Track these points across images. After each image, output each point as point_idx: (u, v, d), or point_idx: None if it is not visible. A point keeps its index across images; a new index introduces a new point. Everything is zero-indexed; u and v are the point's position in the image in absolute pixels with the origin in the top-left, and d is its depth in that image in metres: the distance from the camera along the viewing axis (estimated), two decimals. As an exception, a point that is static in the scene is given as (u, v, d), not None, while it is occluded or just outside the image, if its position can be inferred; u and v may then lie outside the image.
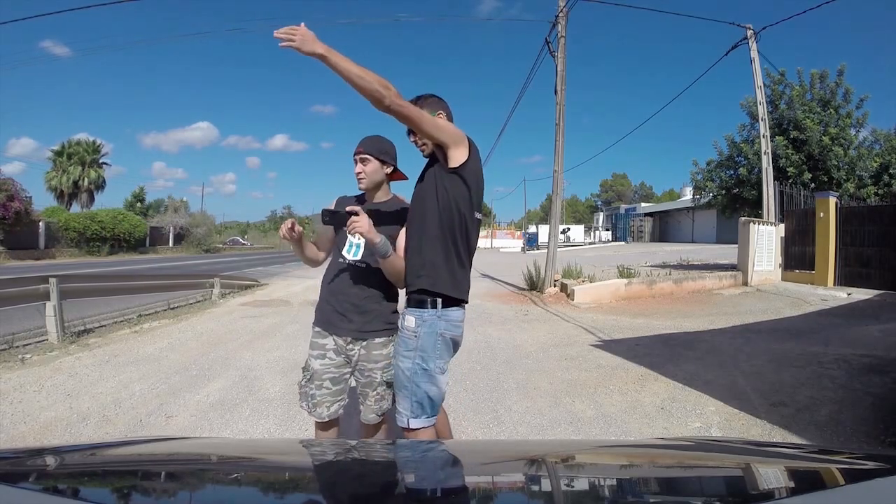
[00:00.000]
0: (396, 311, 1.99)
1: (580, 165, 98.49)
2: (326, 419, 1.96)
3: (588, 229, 46.46)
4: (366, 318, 1.93)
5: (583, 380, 4.11)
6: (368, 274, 1.93)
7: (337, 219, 1.76)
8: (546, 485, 0.90)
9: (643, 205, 46.13)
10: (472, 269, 2.04)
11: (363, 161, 1.98)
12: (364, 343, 1.94)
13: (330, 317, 1.96)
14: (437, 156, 1.85)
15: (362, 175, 1.98)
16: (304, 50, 1.51)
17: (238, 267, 17.74)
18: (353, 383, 2.00)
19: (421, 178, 1.90)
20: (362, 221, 1.72)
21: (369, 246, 1.79)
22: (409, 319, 1.78)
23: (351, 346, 1.94)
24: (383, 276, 1.90)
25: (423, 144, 1.91)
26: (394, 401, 1.91)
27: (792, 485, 0.88)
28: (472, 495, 0.88)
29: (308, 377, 1.97)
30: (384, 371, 1.95)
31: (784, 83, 14.09)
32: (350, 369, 1.98)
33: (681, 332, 6.05)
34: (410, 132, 1.90)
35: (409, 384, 1.77)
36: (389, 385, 1.94)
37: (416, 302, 1.80)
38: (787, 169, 13.03)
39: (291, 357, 4.87)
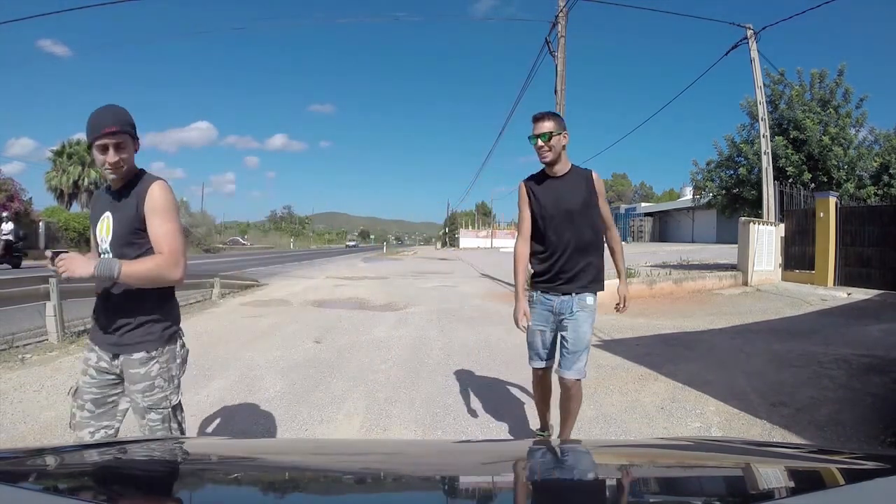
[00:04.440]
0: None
1: (580, 165, 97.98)
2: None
3: (588, 229, 46.29)
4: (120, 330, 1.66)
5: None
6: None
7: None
8: (546, 485, 0.90)
9: (643, 205, 46.11)
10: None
11: (119, 147, 1.58)
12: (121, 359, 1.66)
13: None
14: (585, 181, 2.41)
15: (121, 164, 1.59)
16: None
17: (238, 267, 17.73)
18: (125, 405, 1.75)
19: (574, 192, 2.38)
20: (67, 266, 1.48)
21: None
22: (591, 298, 2.44)
23: (115, 361, 1.67)
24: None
25: (549, 151, 2.33)
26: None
27: (792, 485, 0.88)
28: (472, 495, 0.88)
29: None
30: (145, 395, 1.65)
31: (784, 83, 14.08)
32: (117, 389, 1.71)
33: (681, 331, 6.05)
34: (539, 137, 2.31)
35: (588, 346, 2.43)
36: (151, 410, 1.69)
37: (595, 289, 2.45)
38: (787, 169, 13.02)
39: (291, 357, 4.87)
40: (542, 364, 2.54)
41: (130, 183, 1.64)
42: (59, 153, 36.57)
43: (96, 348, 1.69)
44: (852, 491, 0.71)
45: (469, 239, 56.64)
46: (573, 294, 2.40)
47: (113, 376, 1.69)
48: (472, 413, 3.36)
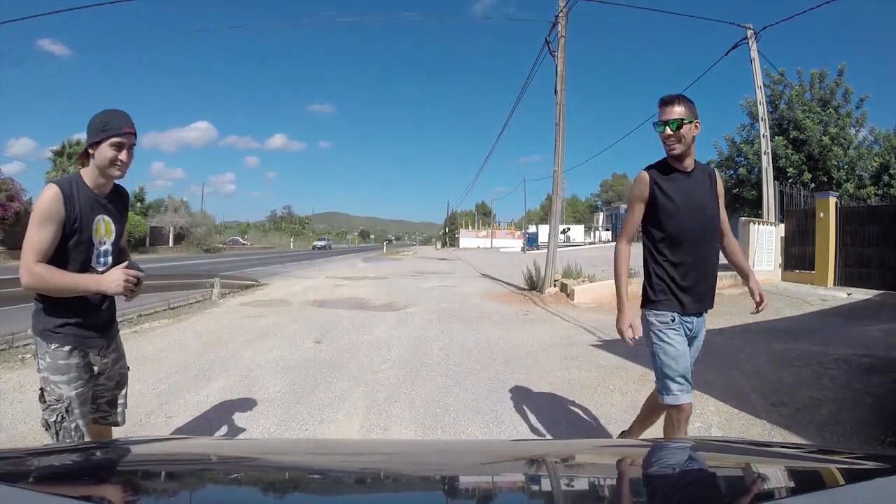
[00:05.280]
0: None
1: (580, 165, 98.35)
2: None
3: (588, 229, 46.49)
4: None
5: (583, 380, 4.11)
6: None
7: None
8: (546, 485, 0.90)
9: (643, 205, 45.97)
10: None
11: (130, 149, 1.72)
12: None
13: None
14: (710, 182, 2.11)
15: (126, 165, 1.73)
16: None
17: (238, 267, 17.74)
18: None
19: (704, 192, 2.06)
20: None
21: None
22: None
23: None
24: None
25: (678, 142, 1.97)
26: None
27: (792, 485, 0.88)
28: (472, 495, 0.88)
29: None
30: (126, 360, 1.95)
31: (784, 83, 14.10)
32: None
33: (681, 332, 6.04)
34: (666, 124, 1.95)
35: None
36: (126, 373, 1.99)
37: None
38: (787, 169, 13.03)
39: (291, 357, 4.87)
40: (690, 397, 2.14)
41: (115, 190, 1.81)
42: (59, 153, 36.55)
43: (86, 350, 1.74)
44: (852, 491, 0.71)
45: (469, 239, 56.67)
46: (704, 314, 2.11)
47: (93, 372, 1.79)
48: (472, 413, 3.36)
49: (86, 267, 1.70)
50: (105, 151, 1.66)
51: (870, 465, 0.90)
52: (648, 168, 2.07)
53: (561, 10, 9.97)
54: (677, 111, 1.95)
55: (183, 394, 3.76)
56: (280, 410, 3.41)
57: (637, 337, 2.07)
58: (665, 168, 2.05)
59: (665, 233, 2.04)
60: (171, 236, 35.18)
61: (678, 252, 2.03)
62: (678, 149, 1.98)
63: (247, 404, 3.53)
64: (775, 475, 0.90)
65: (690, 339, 2.10)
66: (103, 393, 1.87)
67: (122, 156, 1.68)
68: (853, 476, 0.82)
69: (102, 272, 1.71)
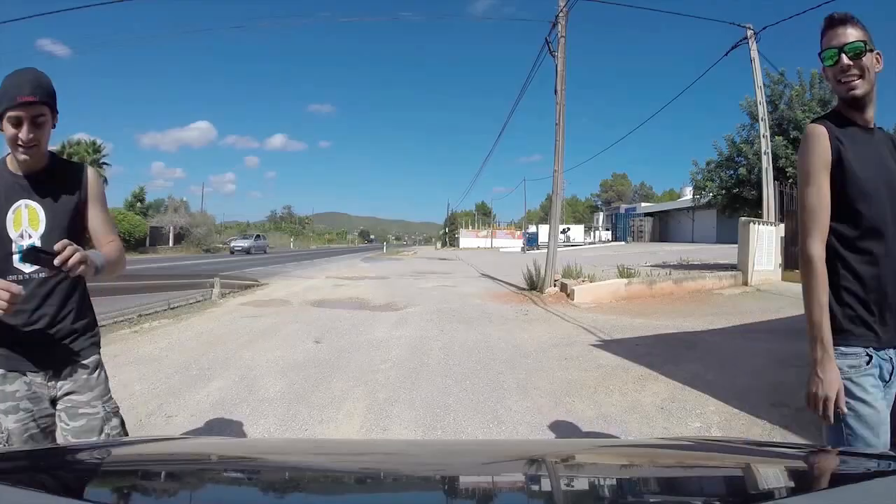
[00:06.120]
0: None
1: (580, 165, 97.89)
2: None
3: (588, 229, 46.48)
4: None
5: (583, 380, 4.11)
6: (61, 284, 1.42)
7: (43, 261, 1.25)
8: (546, 485, 0.90)
9: (643, 205, 46.12)
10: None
11: (36, 122, 1.31)
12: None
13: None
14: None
15: (34, 142, 1.32)
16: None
17: (238, 267, 17.74)
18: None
19: (893, 164, 1.34)
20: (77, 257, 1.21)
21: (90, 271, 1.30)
22: None
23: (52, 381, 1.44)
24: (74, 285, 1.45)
25: (859, 78, 1.30)
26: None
27: (792, 485, 0.88)
28: (472, 495, 0.88)
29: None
30: (104, 401, 1.53)
31: (784, 83, 14.08)
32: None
33: (681, 331, 6.05)
34: (841, 50, 1.29)
35: None
36: (114, 415, 1.57)
37: None
38: (787, 169, 13.01)
39: (291, 357, 4.87)
40: None
41: (52, 167, 1.44)
42: (58, 153, 36.55)
43: (27, 374, 1.40)
44: (852, 491, 0.71)
45: (469, 239, 56.66)
46: None
47: (47, 402, 1.44)
48: (472, 413, 3.36)
49: (4, 267, 1.35)
50: (5, 129, 1.31)
51: (870, 464, 0.90)
52: (821, 119, 1.37)
53: (561, 10, 9.97)
54: (852, 33, 1.30)
55: (183, 394, 3.76)
56: (280, 410, 3.41)
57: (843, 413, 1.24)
58: (841, 121, 1.34)
59: (857, 219, 1.30)
60: (171, 236, 35.18)
61: (873, 250, 1.29)
62: (861, 87, 1.30)
63: (247, 404, 3.54)
64: (775, 475, 0.90)
65: (887, 389, 1.29)
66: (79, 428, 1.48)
67: (22, 133, 1.29)
68: (853, 476, 0.82)
69: (31, 274, 1.35)
